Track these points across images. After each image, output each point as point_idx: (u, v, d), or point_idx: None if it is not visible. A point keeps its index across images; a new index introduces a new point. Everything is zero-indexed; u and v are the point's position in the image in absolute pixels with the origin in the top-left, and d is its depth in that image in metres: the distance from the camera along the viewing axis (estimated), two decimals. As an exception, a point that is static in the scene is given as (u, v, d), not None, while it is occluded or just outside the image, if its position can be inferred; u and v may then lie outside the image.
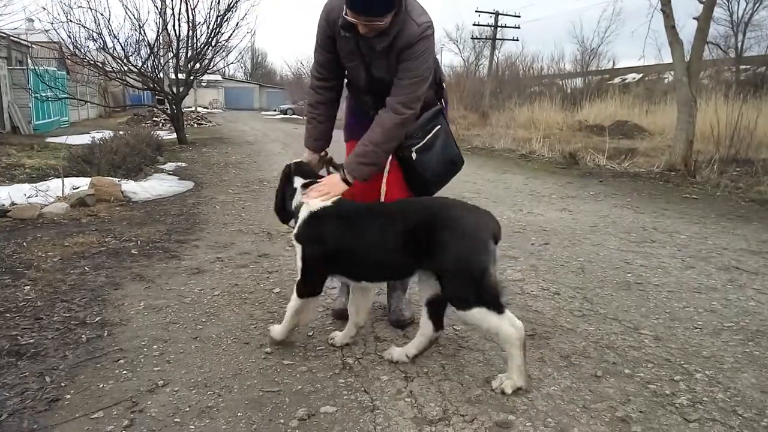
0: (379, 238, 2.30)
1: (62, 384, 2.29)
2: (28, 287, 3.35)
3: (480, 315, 2.13)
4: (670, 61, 9.19)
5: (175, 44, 13.93)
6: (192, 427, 2.01)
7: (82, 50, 13.37)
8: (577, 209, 6.00)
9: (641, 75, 27.07)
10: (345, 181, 2.51)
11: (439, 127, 2.69)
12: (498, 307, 2.13)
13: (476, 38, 31.11)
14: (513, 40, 28.73)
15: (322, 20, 2.56)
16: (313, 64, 2.74)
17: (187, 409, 2.12)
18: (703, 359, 2.53)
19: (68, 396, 2.20)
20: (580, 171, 9.18)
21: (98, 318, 2.96)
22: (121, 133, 10.50)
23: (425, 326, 2.40)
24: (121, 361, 2.49)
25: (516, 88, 22.64)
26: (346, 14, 2.31)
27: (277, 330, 2.62)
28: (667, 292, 3.40)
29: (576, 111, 18.45)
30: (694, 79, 8.59)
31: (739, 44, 23.22)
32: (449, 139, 2.73)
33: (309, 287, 2.48)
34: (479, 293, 2.12)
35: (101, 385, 2.28)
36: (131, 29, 14.59)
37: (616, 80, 27.63)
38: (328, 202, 2.44)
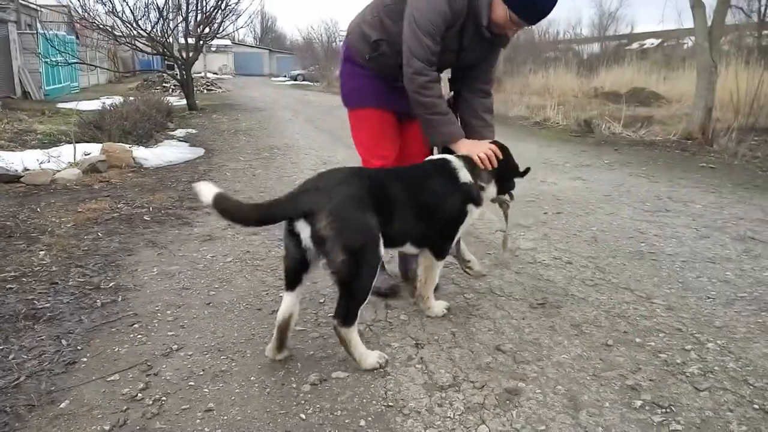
0: None
1: (78, 347, 2.33)
2: (43, 252, 3.39)
3: None
4: (691, 25, 8.92)
5: (185, 8, 13.75)
6: (206, 390, 2.05)
7: (91, 14, 13.26)
8: (591, 178, 5.93)
9: (660, 40, 26.31)
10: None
11: None
12: None
13: (490, 2, 30.37)
14: (528, 3, 28.08)
15: (446, 9, 2.36)
16: (426, 54, 2.39)
17: (201, 372, 2.16)
18: (715, 329, 2.52)
19: (84, 359, 2.24)
20: (595, 139, 9.05)
21: (112, 283, 3.00)
22: (131, 98, 10.48)
23: None
24: (136, 325, 2.53)
25: (531, 54, 22.14)
26: (510, 19, 2.34)
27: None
28: (681, 261, 3.37)
29: (592, 77, 18.04)
30: (715, 45, 8.34)
31: (762, 8, 22.46)
32: None
33: None
34: None
35: (116, 349, 2.32)
36: (140, -8, 14.38)
37: (634, 46, 26.91)
38: None
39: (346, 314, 2.10)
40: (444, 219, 2.40)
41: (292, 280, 2.17)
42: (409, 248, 2.44)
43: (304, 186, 2.14)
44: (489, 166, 2.43)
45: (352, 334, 2.14)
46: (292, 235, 2.07)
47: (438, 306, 2.63)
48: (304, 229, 2.03)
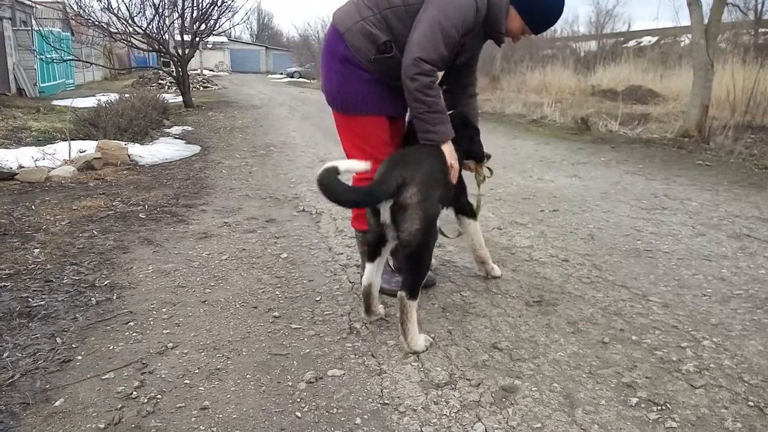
0: None
1: (73, 345, 2.32)
2: (38, 250, 3.38)
3: None
4: (687, 23, 8.94)
5: (181, 4, 13.69)
6: (201, 388, 2.04)
7: (87, 10, 13.19)
8: (587, 176, 5.94)
9: (657, 38, 26.29)
10: None
11: None
12: None
13: (487, -1, 30.34)
14: (525, 1, 28.06)
15: (473, 21, 2.40)
16: (439, 60, 2.36)
17: (197, 371, 2.15)
18: (711, 326, 2.52)
19: (79, 357, 2.23)
20: (592, 137, 9.05)
21: (107, 281, 2.98)
22: (126, 95, 10.43)
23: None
24: (131, 323, 2.52)
25: (528, 51, 22.09)
26: (523, 30, 2.58)
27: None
28: (677, 259, 3.38)
29: (589, 75, 18.03)
30: (711, 43, 8.34)
31: (759, 6, 22.48)
32: None
33: None
34: None
35: (111, 347, 2.31)
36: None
37: (631, 43, 26.86)
38: None
39: (412, 286, 2.24)
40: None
41: (373, 253, 2.40)
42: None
43: (389, 165, 2.29)
44: (454, 177, 2.53)
45: (414, 309, 2.26)
46: (375, 212, 2.27)
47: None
48: (385, 204, 2.21)
